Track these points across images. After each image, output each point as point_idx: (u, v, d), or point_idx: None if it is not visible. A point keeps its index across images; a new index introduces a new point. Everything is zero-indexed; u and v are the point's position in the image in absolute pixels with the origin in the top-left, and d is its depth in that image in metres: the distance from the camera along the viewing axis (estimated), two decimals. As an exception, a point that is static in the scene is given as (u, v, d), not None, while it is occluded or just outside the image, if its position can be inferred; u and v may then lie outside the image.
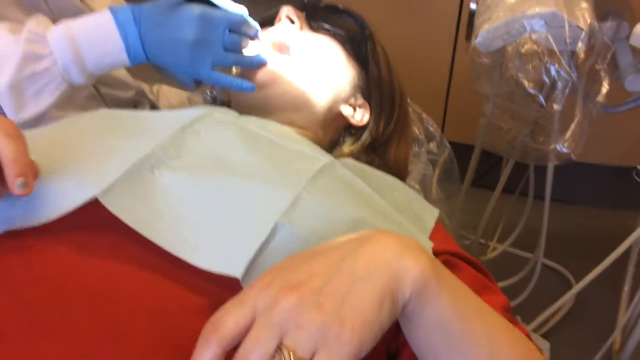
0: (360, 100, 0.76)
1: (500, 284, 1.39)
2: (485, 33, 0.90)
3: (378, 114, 0.77)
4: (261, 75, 0.68)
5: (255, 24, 0.69)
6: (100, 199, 0.45)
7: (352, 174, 0.57)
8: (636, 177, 1.14)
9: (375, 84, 0.77)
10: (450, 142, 1.77)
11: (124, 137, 0.53)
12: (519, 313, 1.32)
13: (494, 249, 1.50)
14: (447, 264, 0.55)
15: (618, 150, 1.55)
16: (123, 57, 0.64)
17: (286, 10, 0.73)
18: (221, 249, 0.44)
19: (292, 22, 0.73)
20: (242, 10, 0.68)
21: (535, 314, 1.32)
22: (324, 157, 0.57)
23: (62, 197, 0.46)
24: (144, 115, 0.59)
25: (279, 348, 0.34)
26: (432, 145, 0.89)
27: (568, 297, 1.10)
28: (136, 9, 0.63)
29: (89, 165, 0.49)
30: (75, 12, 0.77)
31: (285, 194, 0.48)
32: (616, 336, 1.24)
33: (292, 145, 0.58)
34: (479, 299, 0.43)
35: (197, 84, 0.76)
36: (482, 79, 0.96)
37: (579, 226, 1.66)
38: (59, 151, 0.52)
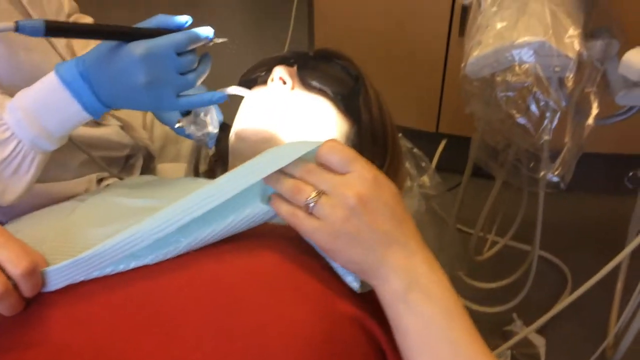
0: None
1: (500, 283, 1.42)
2: (474, 60, 0.90)
3: (370, 161, 0.78)
4: (263, 134, 0.70)
5: (206, 30, 0.64)
6: None
7: None
8: (627, 183, 1.15)
9: (367, 132, 0.77)
10: (446, 135, 1.79)
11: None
12: (513, 309, 1.35)
13: (493, 243, 1.52)
14: None
15: (616, 138, 1.55)
16: (84, 115, 0.63)
17: (279, 72, 0.72)
18: None
19: (285, 82, 0.73)
20: (184, 19, 0.64)
21: (530, 308, 1.36)
22: None
23: None
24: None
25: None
26: (424, 179, 0.90)
27: (569, 301, 1.12)
28: (80, 63, 0.62)
29: None
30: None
31: None
32: (610, 331, 1.27)
33: None
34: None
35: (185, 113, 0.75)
36: (472, 103, 0.96)
37: (575, 213, 1.68)
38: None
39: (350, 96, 0.76)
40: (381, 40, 1.65)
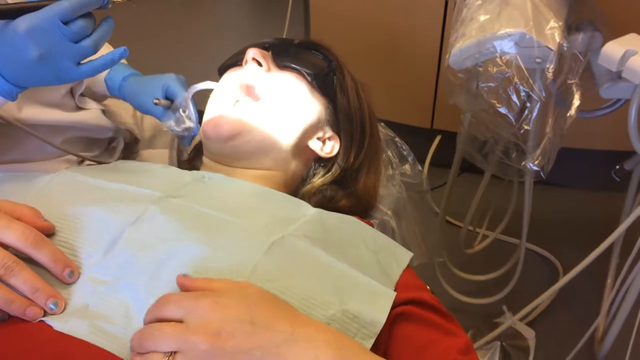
0: (330, 133, 0.79)
1: (490, 275, 1.43)
2: (457, 52, 0.91)
3: (348, 144, 0.80)
4: (230, 128, 0.71)
5: None
6: None
7: (307, 242, 0.60)
8: (614, 176, 1.16)
9: (344, 115, 0.79)
10: (440, 131, 1.80)
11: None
12: (505, 302, 1.36)
13: (484, 237, 1.54)
14: (401, 316, 0.59)
15: (609, 135, 1.56)
16: None
17: (252, 53, 0.74)
18: None
19: (260, 64, 0.75)
20: None
21: (522, 302, 1.37)
22: (277, 232, 0.60)
23: None
24: (104, 194, 0.63)
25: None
26: (407, 167, 0.91)
27: (554, 289, 1.13)
28: None
29: None
30: None
31: None
32: (599, 324, 1.28)
33: (245, 221, 0.61)
34: None
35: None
36: (456, 95, 0.97)
37: (569, 210, 1.69)
38: None
39: (323, 76, 0.77)
40: (376, 37, 1.66)
